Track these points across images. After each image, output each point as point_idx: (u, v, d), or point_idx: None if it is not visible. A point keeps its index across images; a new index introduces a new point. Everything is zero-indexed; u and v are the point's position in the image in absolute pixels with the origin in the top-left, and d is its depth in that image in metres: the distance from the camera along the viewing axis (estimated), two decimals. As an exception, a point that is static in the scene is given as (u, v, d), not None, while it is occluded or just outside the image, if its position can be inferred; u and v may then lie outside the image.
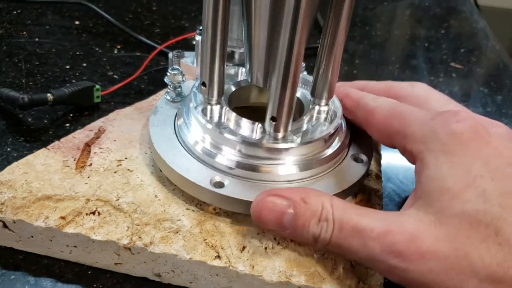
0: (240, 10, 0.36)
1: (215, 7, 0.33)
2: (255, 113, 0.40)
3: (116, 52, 0.61)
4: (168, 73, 0.41)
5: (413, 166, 0.33)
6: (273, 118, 0.34)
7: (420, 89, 0.40)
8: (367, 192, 0.39)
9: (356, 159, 0.39)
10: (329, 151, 0.37)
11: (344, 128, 0.40)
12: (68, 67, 0.57)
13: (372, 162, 0.42)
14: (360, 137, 0.41)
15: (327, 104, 0.39)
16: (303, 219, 0.30)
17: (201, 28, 0.43)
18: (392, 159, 0.47)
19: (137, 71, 0.54)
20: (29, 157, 0.38)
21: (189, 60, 0.46)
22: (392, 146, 0.36)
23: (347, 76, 0.63)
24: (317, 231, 0.30)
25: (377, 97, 0.38)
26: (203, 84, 0.37)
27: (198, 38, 0.44)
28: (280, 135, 0.35)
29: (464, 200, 0.28)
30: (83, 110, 0.50)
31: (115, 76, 0.56)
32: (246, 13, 0.34)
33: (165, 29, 0.68)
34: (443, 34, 0.77)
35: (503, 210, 0.27)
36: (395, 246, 0.28)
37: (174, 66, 0.42)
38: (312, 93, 0.39)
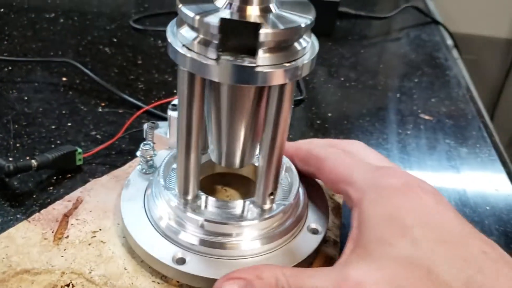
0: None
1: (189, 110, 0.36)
2: (220, 179, 0.44)
3: (100, 109, 0.65)
4: (140, 148, 0.45)
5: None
6: (272, 194, 0.39)
7: (358, 146, 0.44)
8: (323, 259, 0.42)
9: (313, 231, 0.42)
10: (287, 224, 0.41)
11: (301, 200, 0.43)
12: (53, 127, 0.60)
13: (332, 228, 0.45)
14: (317, 207, 0.44)
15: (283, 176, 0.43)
16: None
17: (174, 103, 0.47)
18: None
19: (120, 130, 0.58)
20: (11, 230, 0.41)
21: (162, 130, 0.49)
22: (338, 192, 0.40)
23: (319, 128, 0.66)
24: None
25: (326, 148, 0.42)
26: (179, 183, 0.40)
27: (170, 113, 0.47)
28: (269, 207, 0.40)
29: (399, 247, 0.32)
30: (66, 173, 0.53)
31: (98, 136, 0.59)
32: (214, 104, 0.37)
33: (149, 84, 0.72)
34: (416, 83, 0.81)
35: (432, 253, 0.31)
36: None
37: (146, 142, 0.45)
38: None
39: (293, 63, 0.32)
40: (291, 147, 0.45)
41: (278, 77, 0.32)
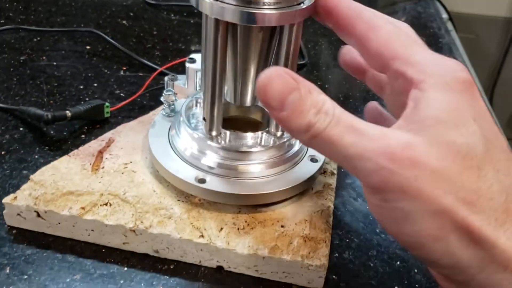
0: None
1: (215, 56, 0.42)
2: (232, 123, 0.50)
3: (122, 73, 0.72)
4: (163, 94, 0.52)
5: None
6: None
7: (408, 29, 0.38)
8: (321, 185, 0.49)
9: (312, 159, 0.49)
10: (290, 153, 0.48)
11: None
12: (81, 87, 0.67)
13: (330, 162, 0.52)
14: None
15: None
16: (304, 105, 0.31)
17: (191, 56, 0.54)
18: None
19: (140, 89, 0.65)
20: (55, 162, 0.49)
21: (181, 82, 0.56)
22: (383, 69, 0.35)
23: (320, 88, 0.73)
24: (313, 119, 0.30)
25: (378, 16, 0.36)
26: (204, 119, 0.46)
27: (187, 65, 0.54)
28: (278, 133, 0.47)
29: (457, 133, 0.30)
30: (95, 124, 0.60)
31: (121, 94, 0.67)
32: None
33: (164, 52, 0.79)
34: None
35: (487, 152, 0.30)
36: (389, 148, 0.29)
37: (168, 88, 0.52)
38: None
39: (297, 6, 0.39)
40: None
41: (286, 18, 0.39)
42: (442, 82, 0.31)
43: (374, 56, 0.35)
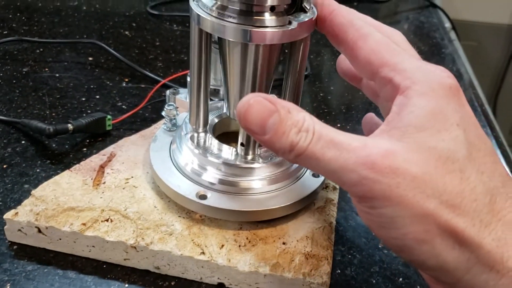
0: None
1: (199, 61, 0.43)
2: (234, 138, 0.50)
3: (124, 84, 0.72)
4: (165, 109, 0.52)
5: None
6: (242, 144, 0.45)
7: (399, 38, 0.39)
8: (323, 201, 0.49)
9: (314, 175, 0.49)
10: (292, 168, 0.47)
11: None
12: (84, 99, 0.67)
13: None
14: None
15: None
16: (285, 126, 0.32)
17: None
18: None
19: (142, 101, 0.65)
20: (56, 177, 0.49)
21: (183, 96, 0.56)
22: (372, 76, 0.36)
23: (322, 100, 0.73)
24: (295, 139, 0.31)
25: (368, 24, 0.37)
26: (191, 117, 0.47)
27: (189, 79, 0.54)
28: (249, 157, 0.46)
29: (438, 139, 0.30)
30: (97, 137, 0.60)
31: (123, 106, 0.67)
32: (222, 63, 0.44)
33: (167, 63, 0.79)
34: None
35: (469, 155, 0.31)
36: (369, 157, 0.30)
37: (170, 102, 0.52)
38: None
39: (291, 25, 0.39)
40: (327, 7, 0.39)
41: (279, 37, 0.39)
42: (427, 89, 0.32)
43: (363, 64, 0.36)
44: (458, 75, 0.83)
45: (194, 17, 0.41)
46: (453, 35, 1.09)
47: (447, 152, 0.30)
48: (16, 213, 0.44)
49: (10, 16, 0.89)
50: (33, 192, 0.47)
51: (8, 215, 0.44)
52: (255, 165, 0.46)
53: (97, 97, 0.68)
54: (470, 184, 0.30)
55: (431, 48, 0.92)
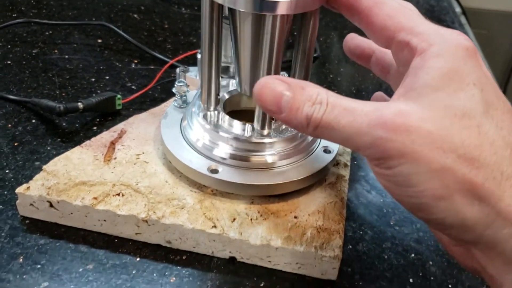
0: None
1: (210, 35, 0.43)
2: (245, 115, 0.50)
3: (133, 66, 0.72)
4: (175, 85, 0.52)
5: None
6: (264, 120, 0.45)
7: (411, 6, 0.38)
8: (335, 177, 0.49)
9: (325, 150, 0.48)
10: (303, 144, 0.47)
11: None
12: (93, 79, 0.67)
13: (344, 153, 0.52)
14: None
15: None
16: (299, 102, 0.33)
17: (202, 49, 0.54)
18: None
19: (152, 82, 0.64)
20: (67, 153, 0.49)
21: (193, 74, 0.56)
22: (388, 42, 0.35)
23: (332, 81, 0.72)
24: (310, 111, 0.32)
25: None
26: (202, 95, 0.47)
27: (199, 56, 0.54)
28: (265, 132, 0.45)
29: (454, 98, 0.30)
30: (107, 116, 0.60)
31: (133, 87, 0.66)
32: (233, 37, 0.44)
33: (176, 45, 0.79)
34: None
35: (487, 112, 0.30)
36: (382, 118, 0.30)
37: (180, 79, 0.52)
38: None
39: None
40: None
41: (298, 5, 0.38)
42: (444, 50, 0.32)
43: (379, 30, 0.35)
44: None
45: None
46: (463, 19, 1.08)
47: (463, 109, 0.30)
48: (28, 188, 0.45)
49: (19, -1, 0.89)
50: (44, 167, 0.47)
51: (20, 189, 0.44)
52: (267, 139, 0.45)
53: (107, 77, 0.68)
54: (489, 138, 0.30)
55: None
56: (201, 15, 0.43)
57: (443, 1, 1.06)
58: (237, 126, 0.47)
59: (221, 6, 0.42)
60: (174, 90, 0.52)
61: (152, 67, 0.72)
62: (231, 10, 0.41)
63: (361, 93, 0.72)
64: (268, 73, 0.42)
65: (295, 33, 0.44)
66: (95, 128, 0.58)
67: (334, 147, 0.49)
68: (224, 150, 0.45)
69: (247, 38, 0.43)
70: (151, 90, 0.65)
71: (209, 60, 0.45)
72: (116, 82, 0.67)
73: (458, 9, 1.11)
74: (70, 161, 0.47)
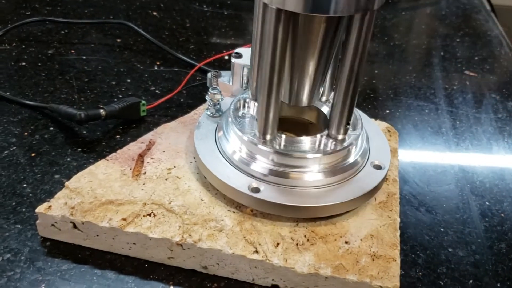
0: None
1: (273, 55, 0.38)
2: (284, 124, 0.45)
3: (156, 68, 0.67)
4: (209, 93, 0.47)
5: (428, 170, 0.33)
6: (348, 123, 0.41)
7: None
8: (385, 195, 0.44)
9: (376, 166, 0.44)
10: (351, 159, 0.43)
11: (365, 136, 0.45)
12: (114, 83, 0.63)
13: (392, 167, 0.47)
14: (379, 144, 0.46)
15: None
16: None
17: (237, 51, 0.49)
18: (409, 164, 0.52)
19: (176, 86, 0.60)
20: (92, 167, 0.44)
21: (225, 79, 0.52)
22: None
23: (367, 85, 0.68)
24: None
25: None
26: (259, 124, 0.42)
27: (233, 60, 0.49)
28: (340, 137, 0.42)
29: None
30: (131, 123, 0.56)
31: (157, 91, 0.62)
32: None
33: (199, 45, 0.74)
34: (458, 43, 0.82)
35: None
36: None
37: (214, 86, 0.48)
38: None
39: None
40: None
41: (351, 4, 0.34)
42: None
43: None
44: (507, 59, 0.78)
45: None
46: (494, 18, 1.03)
47: None
48: (49, 207, 0.40)
49: (33, -4, 0.85)
50: (66, 183, 0.42)
51: (40, 209, 0.40)
52: (312, 155, 0.41)
53: (128, 81, 0.64)
54: None
55: (475, 31, 0.87)
56: (256, 23, 0.38)
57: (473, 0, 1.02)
58: (279, 139, 0.42)
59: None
60: (207, 98, 0.48)
61: (176, 69, 0.67)
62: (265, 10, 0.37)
63: (399, 97, 0.67)
64: (315, 82, 0.38)
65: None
66: (118, 137, 0.54)
67: (385, 161, 0.44)
68: (265, 165, 0.41)
69: (293, 44, 0.38)
70: (177, 95, 0.61)
71: (269, 86, 0.39)
72: (139, 86, 0.63)
73: (488, 7, 1.06)
74: (95, 176, 0.43)
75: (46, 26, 0.74)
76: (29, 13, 0.78)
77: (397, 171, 0.48)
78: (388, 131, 0.53)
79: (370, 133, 0.47)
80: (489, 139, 0.59)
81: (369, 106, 0.63)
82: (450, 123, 0.61)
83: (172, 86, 0.63)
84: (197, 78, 0.65)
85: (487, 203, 0.50)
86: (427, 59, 0.77)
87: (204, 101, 0.49)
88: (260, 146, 0.41)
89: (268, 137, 0.41)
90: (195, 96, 0.61)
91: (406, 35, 0.84)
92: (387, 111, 0.62)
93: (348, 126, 0.41)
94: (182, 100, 0.61)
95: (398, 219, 0.43)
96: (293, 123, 0.49)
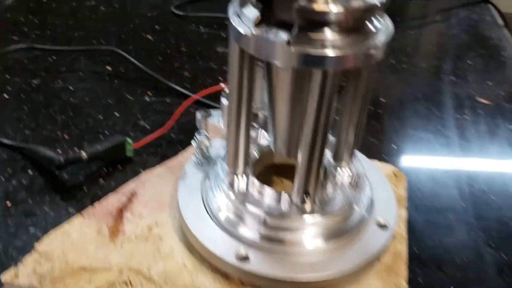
0: (262, 75, 0.37)
1: (239, 89, 0.34)
2: (280, 171, 0.42)
3: (147, 98, 0.63)
4: (195, 138, 0.43)
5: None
6: (306, 193, 0.36)
7: None
8: (391, 255, 0.40)
9: (380, 225, 0.39)
10: (354, 219, 0.38)
11: (368, 191, 0.41)
12: (101, 117, 0.59)
13: (399, 221, 0.43)
14: (384, 195, 0.42)
15: (349, 166, 0.40)
16: None
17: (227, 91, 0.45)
18: (418, 213, 0.48)
19: (167, 119, 0.56)
20: (65, 225, 0.40)
21: (215, 119, 0.48)
22: None
23: (372, 115, 0.63)
24: None
25: None
26: (229, 158, 0.38)
27: (223, 101, 0.45)
28: (308, 208, 0.37)
29: None
30: (116, 164, 0.51)
31: (146, 126, 0.58)
32: (268, 87, 0.35)
33: (194, 72, 0.70)
34: (470, 66, 0.77)
35: None
36: None
37: (201, 130, 0.44)
38: (335, 157, 0.40)
39: (363, 44, 0.30)
40: None
41: (347, 61, 0.30)
42: None
43: None
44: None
45: (234, 34, 0.32)
46: (507, 33, 0.98)
47: None
48: (16, 274, 0.36)
49: (22, 19, 0.81)
50: (37, 246, 0.38)
51: (6, 277, 0.36)
52: (309, 217, 0.37)
53: (116, 114, 0.60)
54: None
55: (488, 51, 0.82)
56: (229, 65, 0.34)
57: (485, 15, 0.97)
58: (271, 196, 0.38)
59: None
60: (193, 144, 0.43)
61: (168, 100, 0.63)
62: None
63: (406, 129, 0.62)
64: (314, 135, 0.33)
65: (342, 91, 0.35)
66: (101, 180, 0.50)
67: (390, 219, 0.40)
68: (255, 229, 0.37)
69: (286, 94, 0.34)
70: (167, 130, 0.56)
71: (236, 121, 0.36)
72: (127, 120, 0.59)
73: (500, 21, 1.01)
74: (68, 236, 0.39)
75: (33, 52, 0.71)
76: (16, 37, 0.74)
77: (405, 224, 0.43)
78: (395, 175, 0.48)
79: (374, 182, 0.43)
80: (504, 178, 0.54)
81: (374, 140, 0.58)
82: (462, 161, 0.56)
83: (163, 120, 0.58)
84: (191, 109, 0.61)
85: (504, 256, 0.45)
86: (436, 84, 0.72)
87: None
88: (249, 206, 0.37)
89: (238, 171, 0.38)
90: (187, 131, 0.57)
91: (414, 57, 0.79)
92: (394, 147, 0.58)
93: (306, 196, 0.36)
94: (173, 135, 0.57)
95: (406, 286, 0.38)
96: (292, 167, 0.45)
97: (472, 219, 0.48)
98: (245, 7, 0.31)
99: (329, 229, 0.37)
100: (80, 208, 0.45)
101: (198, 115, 0.47)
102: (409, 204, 0.47)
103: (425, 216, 0.47)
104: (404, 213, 0.44)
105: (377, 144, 0.58)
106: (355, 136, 0.38)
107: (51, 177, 0.50)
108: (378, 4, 0.29)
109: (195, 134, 0.44)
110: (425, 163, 0.56)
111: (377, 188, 0.42)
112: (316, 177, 0.35)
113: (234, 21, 0.31)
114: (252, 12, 0.30)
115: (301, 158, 0.34)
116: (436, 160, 0.56)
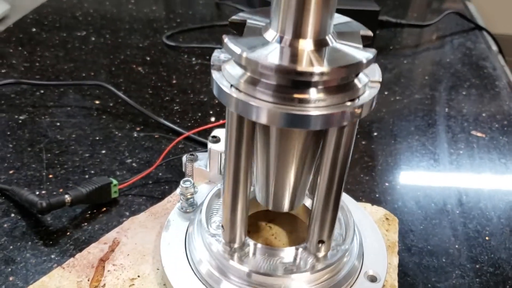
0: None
1: (237, 157, 0.33)
2: (263, 216, 0.41)
3: (135, 134, 0.62)
4: (180, 186, 0.42)
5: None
6: (321, 241, 0.35)
7: None
8: (381, 307, 0.39)
9: (370, 278, 0.38)
10: (343, 272, 0.37)
11: (357, 241, 0.39)
12: (87, 155, 0.58)
13: (389, 270, 0.41)
14: (374, 245, 0.40)
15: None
16: None
17: (213, 134, 0.44)
18: (411, 259, 0.46)
19: (156, 156, 0.55)
20: (44, 278, 0.39)
21: (202, 163, 0.46)
22: None
23: (364, 150, 0.62)
24: None
25: None
26: (223, 227, 0.36)
27: (210, 145, 0.44)
28: (321, 254, 0.36)
29: None
30: (101, 206, 0.50)
31: (133, 164, 0.57)
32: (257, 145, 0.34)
33: (184, 105, 0.69)
34: (464, 96, 0.76)
35: None
36: None
37: (186, 178, 0.42)
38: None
39: (349, 103, 0.29)
40: None
41: (334, 120, 0.28)
42: None
43: None
44: (518, 114, 0.72)
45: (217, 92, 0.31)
46: (501, 60, 0.97)
47: None
48: (-9, 333, 0.35)
49: (11, 50, 0.80)
50: (13, 302, 0.37)
51: (-21, 337, 0.35)
52: (295, 275, 0.35)
53: (103, 152, 0.58)
54: None
55: (482, 81, 0.81)
56: (227, 125, 0.32)
57: (479, 43, 0.96)
58: (256, 251, 0.36)
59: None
60: (178, 191, 0.42)
61: (157, 136, 0.62)
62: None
63: (399, 165, 0.61)
64: (294, 190, 0.32)
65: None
66: (85, 224, 0.48)
67: (381, 272, 0.38)
68: (237, 285, 0.35)
69: (262, 149, 0.33)
70: (155, 169, 0.55)
71: (233, 192, 0.34)
72: (114, 158, 0.58)
73: (494, 48, 1.00)
74: (47, 291, 0.38)
75: (20, 86, 0.70)
76: (4, 71, 0.73)
77: (396, 273, 0.42)
78: (387, 218, 0.47)
79: (364, 231, 0.41)
80: (499, 216, 0.53)
81: (366, 177, 0.57)
82: (456, 198, 0.55)
83: (150, 158, 0.57)
84: (179, 146, 0.60)
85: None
86: (431, 117, 0.71)
87: (184, 176, 0.44)
88: (231, 262, 0.35)
89: (236, 245, 0.36)
90: (174, 169, 0.56)
91: (407, 87, 0.78)
92: (386, 184, 0.56)
93: (322, 245, 0.36)
94: (160, 174, 0.55)
95: None
96: (280, 213, 0.43)
97: (466, 260, 0.47)
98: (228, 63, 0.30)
99: (317, 286, 0.35)
100: (62, 254, 0.44)
101: (184, 158, 0.46)
102: (401, 245, 0.46)
103: (418, 260, 0.46)
104: (395, 261, 0.43)
105: (370, 181, 0.57)
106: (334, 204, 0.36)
107: (34, 220, 0.48)
108: (364, 61, 0.28)
109: (181, 181, 0.42)
110: (418, 200, 0.55)
111: (366, 238, 0.41)
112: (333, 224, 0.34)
113: (217, 78, 0.30)
114: (235, 70, 0.29)
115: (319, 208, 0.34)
116: (429, 197, 0.55)
